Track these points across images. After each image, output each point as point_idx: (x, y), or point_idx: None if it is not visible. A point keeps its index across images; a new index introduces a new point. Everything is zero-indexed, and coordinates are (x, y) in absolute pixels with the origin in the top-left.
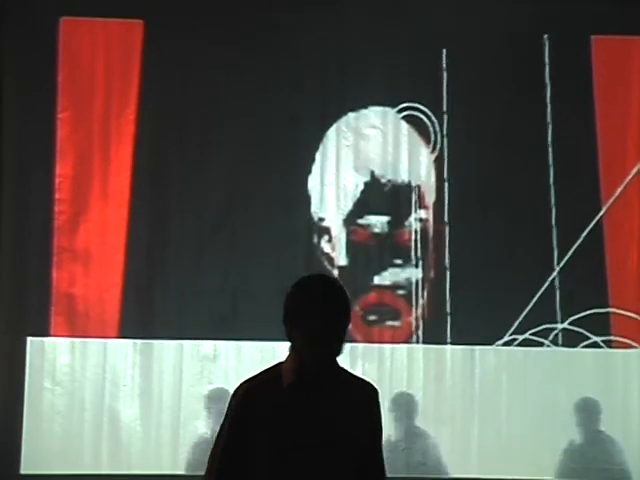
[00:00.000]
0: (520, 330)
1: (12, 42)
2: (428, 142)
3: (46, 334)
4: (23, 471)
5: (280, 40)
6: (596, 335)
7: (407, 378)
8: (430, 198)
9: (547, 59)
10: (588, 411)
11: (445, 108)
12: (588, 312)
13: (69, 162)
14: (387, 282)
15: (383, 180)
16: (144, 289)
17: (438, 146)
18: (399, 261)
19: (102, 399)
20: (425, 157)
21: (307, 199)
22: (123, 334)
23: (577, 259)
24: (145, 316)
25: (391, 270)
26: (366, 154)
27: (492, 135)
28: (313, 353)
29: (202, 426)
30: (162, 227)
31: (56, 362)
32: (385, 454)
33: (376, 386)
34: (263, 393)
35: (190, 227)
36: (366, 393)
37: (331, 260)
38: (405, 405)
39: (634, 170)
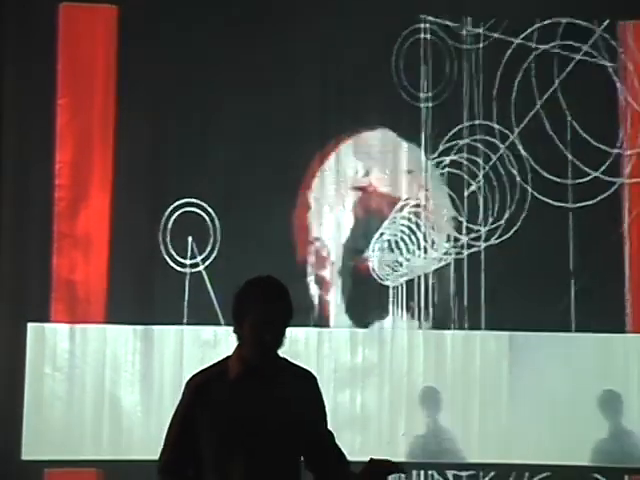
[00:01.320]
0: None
1: (12, 28)
2: None
3: (46, 320)
4: (24, 457)
5: (275, 27)
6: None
7: (407, 363)
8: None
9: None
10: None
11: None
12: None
13: (69, 148)
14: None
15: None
16: (144, 275)
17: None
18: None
19: (102, 385)
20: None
21: (306, 189)
22: (123, 320)
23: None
24: (145, 302)
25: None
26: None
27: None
28: (256, 348)
29: None
30: (162, 213)
31: (56, 348)
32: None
33: (314, 372)
34: (212, 386)
35: (190, 214)
36: (307, 380)
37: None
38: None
39: None
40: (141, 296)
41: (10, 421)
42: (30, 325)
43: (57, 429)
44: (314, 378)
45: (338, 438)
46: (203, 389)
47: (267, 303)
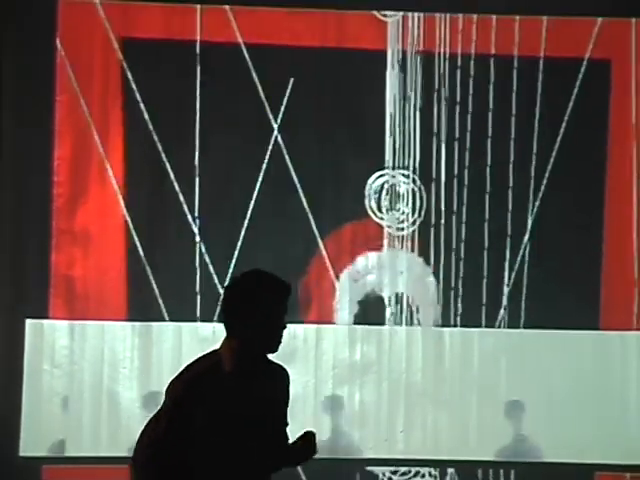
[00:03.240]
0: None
1: (10, 23)
2: None
3: (45, 316)
4: (22, 453)
5: None
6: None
7: (406, 360)
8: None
9: None
10: None
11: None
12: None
13: (67, 144)
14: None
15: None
16: (143, 271)
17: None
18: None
19: (101, 381)
20: None
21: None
22: (122, 316)
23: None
24: (144, 298)
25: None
26: None
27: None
28: (254, 342)
29: None
30: (160, 209)
31: (55, 344)
32: None
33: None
34: (205, 380)
35: (189, 208)
36: (285, 375)
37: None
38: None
39: None
40: (140, 292)
41: (8, 417)
42: (28, 321)
43: (55, 425)
44: (288, 374)
45: (336, 435)
46: (196, 384)
47: (281, 295)
